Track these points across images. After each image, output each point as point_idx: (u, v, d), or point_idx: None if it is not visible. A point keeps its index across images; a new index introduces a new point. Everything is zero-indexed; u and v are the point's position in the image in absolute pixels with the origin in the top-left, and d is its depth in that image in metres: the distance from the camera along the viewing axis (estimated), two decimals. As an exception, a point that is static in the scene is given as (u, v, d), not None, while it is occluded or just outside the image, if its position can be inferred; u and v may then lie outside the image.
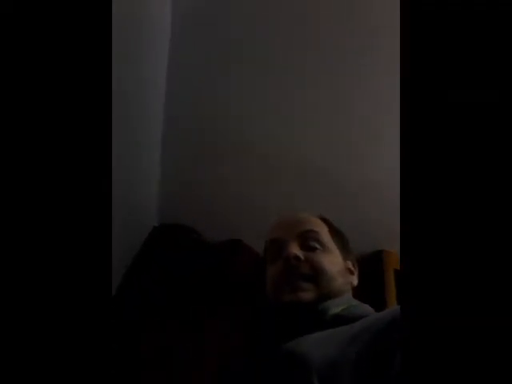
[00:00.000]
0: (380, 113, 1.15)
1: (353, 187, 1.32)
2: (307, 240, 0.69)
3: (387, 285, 1.36)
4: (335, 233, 0.75)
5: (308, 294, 0.63)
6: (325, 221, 0.76)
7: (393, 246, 1.44)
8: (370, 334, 0.50)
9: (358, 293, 0.77)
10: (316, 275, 0.65)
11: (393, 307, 0.59)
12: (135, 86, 0.99)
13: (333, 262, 0.68)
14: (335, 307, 0.61)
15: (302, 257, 0.66)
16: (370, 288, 0.75)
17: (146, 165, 1.29)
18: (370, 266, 1.41)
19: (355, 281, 0.73)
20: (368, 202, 1.35)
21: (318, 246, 0.68)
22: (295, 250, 0.67)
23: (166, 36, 1.06)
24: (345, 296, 0.66)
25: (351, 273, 0.73)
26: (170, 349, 1.17)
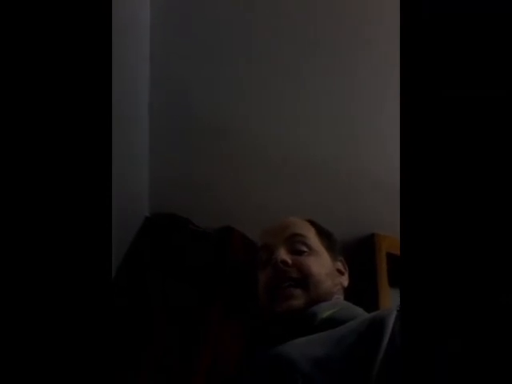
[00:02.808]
0: (375, 100, 1.14)
1: (346, 172, 1.32)
2: (294, 244, 0.70)
3: (379, 268, 1.37)
4: (323, 235, 0.75)
5: (297, 300, 0.63)
6: (312, 223, 0.77)
7: (385, 230, 1.45)
8: (354, 335, 0.50)
9: (351, 277, 0.78)
10: (304, 279, 0.65)
11: (380, 310, 0.59)
12: (119, 72, 0.97)
13: (321, 264, 0.69)
14: (324, 311, 0.61)
15: (290, 261, 0.67)
16: (362, 272, 0.75)
17: (135, 154, 1.28)
18: (362, 249, 1.42)
19: (346, 281, 0.74)
20: (360, 187, 1.35)
21: (305, 249, 0.70)
22: (283, 254, 0.68)
23: (147, 20, 1.04)
24: (334, 298, 0.67)
25: (341, 273, 0.74)
26: (163, 343, 1.17)
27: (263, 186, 1.38)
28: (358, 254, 1.37)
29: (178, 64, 1.13)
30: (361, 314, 0.62)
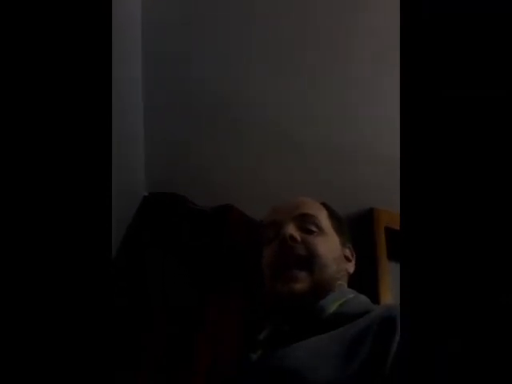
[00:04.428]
0: (375, 75, 1.13)
1: (343, 147, 1.31)
2: (305, 223, 0.68)
3: (378, 243, 1.37)
4: (335, 218, 0.73)
5: (301, 284, 0.62)
6: (325, 206, 0.74)
7: (383, 205, 1.45)
8: (366, 337, 0.48)
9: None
10: (311, 259, 0.64)
11: (387, 305, 0.58)
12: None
13: (329, 246, 0.67)
14: (330, 304, 0.60)
15: (299, 238, 0.65)
16: (360, 246, 0.75)
17: (131, 133, 1.26)
18: (360, 224, 1.43)
19: (351, 268, 0.72)
20: (358, 161, 1.34)
21: (315, 229, 0.67)
22: (292, 230, 0.66)
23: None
24: (338, 286, 0.65)
25: (348, 260, 0.72)
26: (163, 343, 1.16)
27: (261, 162, 1.37)
28: (356, 228, 1.37)
29: (174, 40, 1.10)
30: (367, 306, 0.60)
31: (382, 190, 1.43)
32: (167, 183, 1.46)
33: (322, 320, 0.58)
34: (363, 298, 0.64)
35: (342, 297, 0.62)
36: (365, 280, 0.69)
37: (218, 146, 1.34)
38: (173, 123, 1.30)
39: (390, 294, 1.30)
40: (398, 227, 1.42)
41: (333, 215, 0.73)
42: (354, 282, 0.72)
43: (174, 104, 1.25)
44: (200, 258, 1.33)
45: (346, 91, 1.18)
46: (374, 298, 1.26)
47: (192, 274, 1.30)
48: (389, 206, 1.45)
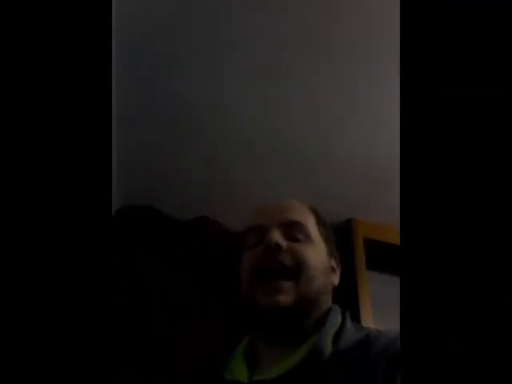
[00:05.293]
0: (360, 87, 1.12)
1: (321, 157, 1.30)
2: (292, 230, 0.62)
3: (357, 253, 1.37)
4: (322, 225, 0.68)
5: (285, 296, 0.57)
6: (313, 211, 0.69)
7: (361, 215, 1.45)
8: (375, 373, 0.47)
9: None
10: (297, 268, 0.59)
11: (387, 333, 0.55)
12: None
13: (317, 257, 0.62)
14: (327, 343, 0.55)
15: (285, 245, 0.60)
16: (340, 257, 0.72)
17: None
18: (339, 234, 1.42)
19: (336, 280, 0.67)
20: (336, 172, 1.34)
21: (302, 237, 0.62)
22: (277, 236, 0.60)
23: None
24: (321, 302, 0.61)
25: (333, 270, 0.67)
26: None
27: (237, 173, 1.35)
28: (336, 238, 1.36)
29: (144, 42, 1.07)
30: (361, 334, 0.57)
31: (360, 200, 1.42)
32: (140, 196, 1.41)
33: (321, 364, 0.53)
34: (351, 323, 0.60)
35: (333, 323, 0.58)
36: (344, 290, 0.66)
37: (193, 156, 1.32)
38: (143, 136, 1.27)
39: (369, 304, 1.29)
40: (376, 237, 1.42)
41: (321, 222, 0.68)
42: (334, 292, 0.68)
43: (146, 114, 1.22)
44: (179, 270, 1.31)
45: (324, 99, 1.17)
46: (354, 309, 1.25)
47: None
48: (366, 216, 1.45)
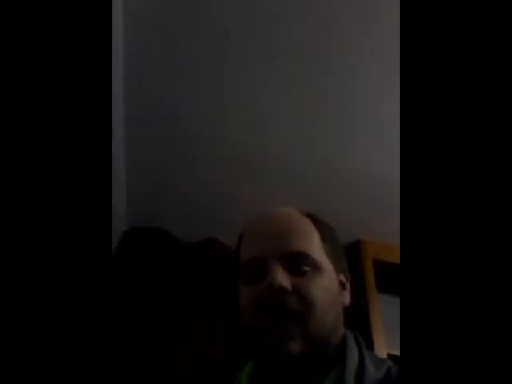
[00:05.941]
0: (356, 100, 1.13)
1: (328, 178, 1.30)
2: (295, 263, 0.56)
3: (366, 275, 1.36)
4: (327, 239, 0.61)
5: (295, 342, 0.52)
6: (315, 223, 0.62)
7: (370, 236, 1.44)
8: None
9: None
10: (306, 312, 0.53)
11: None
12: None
13: (325, 287, 0.56)
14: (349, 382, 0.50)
15: (290, 286, 0.53)
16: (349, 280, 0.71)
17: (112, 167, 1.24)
18: (348, 257, 1.40)
19: (347, 298, 0.61)
20: (343, 192, 1.33)
21: (307, 268, 0.56)
22: (281, 278, 0.53)
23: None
24: (337, 338, 0.56)
25: (343, 287, 0.61)
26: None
27: (244, 194, 1.35)
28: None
29: (152, 69, 1.10)
30: (382, 372, 0.52)
31: (369, 221, 1.41)
32: (148, 217, 1.42)
33: None
34: (369, 358, 0.55)
35: (353, 366, 0.53)
36: (355, 313, 0.64)
37: (202, 178, 1.32)
38: (152, 159, 1.28)
39: (381, 328, 1.26)
40: (386, 258, 1.40)
41: (325, 235, 0.61)
42: (345, 315, 0.66)
43: (155, 135, 1.24)
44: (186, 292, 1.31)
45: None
46: (366, 333, 1.22)
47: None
48: (375, 237, 1.44)
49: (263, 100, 1.14)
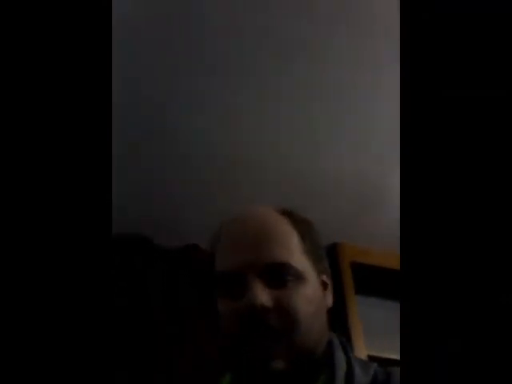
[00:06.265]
0: (341, 101, 1.14)
1: (305, 180, 1.31)
2: (275, 275, 0.53)
3: (344, 278, 1.37)
4: (307, 238, 0.58)
5: (279, 362, 0.50)
6: (291, 219, 0.59)
7: (347, 238, 1.45)
8: None
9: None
10: (289, 328, 0.51)
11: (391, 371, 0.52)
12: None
13: (308, 295, 0.53)
14: None
15: (271, 303, 0.51)
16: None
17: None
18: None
19: (330, 299, 0.59)
20: (320, 194, 1.34)
21: (289, 277, 0.53)
22: (260, 293, 0.51)
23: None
24: (322, 346, 0.55)
25: (324, 287, 0.59)
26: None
27: (223, 198, 1.35)
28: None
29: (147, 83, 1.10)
30: (370, 376, 0.52)
31: (345, 222, 1.42)
32: (130, 224, 1.40)
33: None
34: (356, 364, 0.54)
35: (341, 373, 0.52)
36: (334, 316, 0.61)
37: (182, 185, 1.33)
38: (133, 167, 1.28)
39: (361, 330, 1.28)
40: (363, 260, 1.43)
41: (304, 233, 0.58)
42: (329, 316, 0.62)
43: (141, 146, 1.23)
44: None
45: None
46: (346, 334, 1.24)
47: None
48: (352, 239, 1.45)
49: (250, 100, 1.14)
